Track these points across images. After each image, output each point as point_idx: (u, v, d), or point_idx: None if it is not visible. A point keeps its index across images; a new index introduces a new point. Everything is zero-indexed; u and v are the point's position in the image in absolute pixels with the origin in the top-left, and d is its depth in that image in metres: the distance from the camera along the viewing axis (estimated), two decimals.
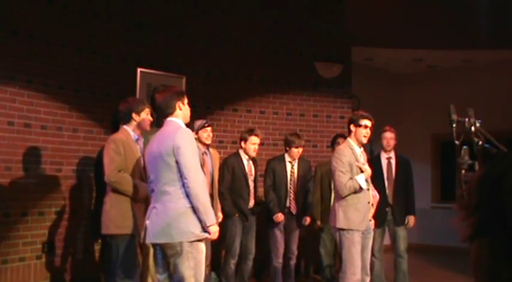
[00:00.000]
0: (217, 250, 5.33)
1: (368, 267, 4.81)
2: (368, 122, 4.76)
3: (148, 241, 3.64)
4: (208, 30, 6.67)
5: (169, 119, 3.66)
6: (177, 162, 3.46)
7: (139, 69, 6.06)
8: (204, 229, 3.49)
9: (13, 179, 5.08)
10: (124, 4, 6.08)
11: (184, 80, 6.35)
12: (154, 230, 3.54)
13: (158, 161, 3.53)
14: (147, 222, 3.60)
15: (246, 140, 5.58)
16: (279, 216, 5.67)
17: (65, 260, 5.45)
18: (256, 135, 5.61)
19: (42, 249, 5.26)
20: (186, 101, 3.72)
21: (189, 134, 3.63)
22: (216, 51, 6.72)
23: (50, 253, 5.32)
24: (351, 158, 4.61)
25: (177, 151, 3.45)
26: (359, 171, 4.62)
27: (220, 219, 5.27)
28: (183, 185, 3.47)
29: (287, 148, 5.80)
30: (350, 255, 4.51)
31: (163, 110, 3.67)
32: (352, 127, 4.76)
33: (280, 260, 5.82)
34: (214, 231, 3.56)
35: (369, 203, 4.66)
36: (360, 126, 4.72)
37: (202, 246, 3.57)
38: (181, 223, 3.45)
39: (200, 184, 3.49)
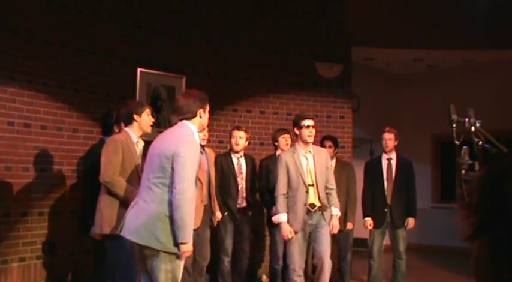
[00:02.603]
0: (212, 249, 5.32)
1: (325, 260, 4.78)
2: (309, 122, 4.88)
3: (123, 234, 3.52)
4: (208, 30, 6.67)
5: (185, 121, 3.56)
6: (173, 168, 3.37)
7: (139, 69, 6.06)
8: (176, 244, 3.35)
9: (13, 179, 5.08)
10: (124, 4, 6.08)
11: (184, 80, 6.35)
12: (130, 226, 3.45)
13: (156, 158, 3.45)
14: (127, 215, 3.51)
15: (231, 137, 5.66)
16: (274, 210, 5.68)
17: (65, 260, 5.44)
18: (238, 129, 5.67)
19: (42, 249, 5.26)
20: (208, 109, 3.62)
21: (195, 146, 3.50)
22: (216, 51, 6.72)
23: (50, 253, 5.32)
24: (288, 162, 4.83)
25: (176, 159, 3.36)
26: (297, 172, 4.81)
27: (218, 219, 5.26)
28: (171, 192, 3.35)
29: (275, 143, 5.92)
30: (289, 253, 4.88)
31: (182, 113, 3.56)
32: (295, 130, 4.93)
33: (280, 262, 5.81)
34: (186, 250, 3.39)
35: (305, 205, 4.78)
36: (301, 127, 4.84)
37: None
38: (157, 230, 3.34)
39: (187, 198, 3.34)
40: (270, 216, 5.83)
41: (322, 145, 6.00)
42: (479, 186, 0.90)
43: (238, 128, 5.70)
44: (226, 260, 5.60)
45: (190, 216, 3.38)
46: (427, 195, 9.47)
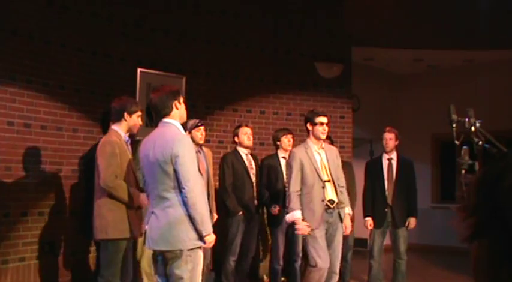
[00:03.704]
0: (218, 248, 5.32)
1: (335, 264, 4.74)
2: (323, 119, 4.80)
3: (148, 246, 3.65)
4: (208, 30, 6.67)
5: (166, 120, 3.58)
6: (175, 170, 3.42)
7: (139, 69, 6.06)
8: (200, 237, 3.48)
9: (13, 179, 5.07)
10: (124, 4, 6.08)
11: (184, 80, 6.35)
12: (154, 236, 3.53)
13: (155, 166, 3.48)
14: (147, 227, 3.59)
15: (237, 134, 5.71)
16: (274, 209, 5.68)
17: (65, 260, 5.44)
18: (245, 126, 5.79)
19: (42, 249, 5.26)
20: (182, 99, 3.66)
21: (188, 142, 3.58)
22: (216, 51, 6.72)
23: (50, 253, 5.32)
24: (302, 158, 4.71)
25: (175, 160, 3.40)
26: (312, 168, 4.70)
27: (215, 219, 5.27)
28: (181, 193, 3.44)
29: (277, 142, 5.92)
30: (313, 250, 4.64)
31: (159, 110, 3.59)
32: (308, 126, 4.82)
33: (281, 262, 5.82)
34: (211, 240, 3.54)
35: (323, 201, 4.67)
36: (315, 124, 4.76)
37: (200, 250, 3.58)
38: (181, 231, 3.44)
39: (198, 194, 3.45)
40: (270, 215, 5.83)
41: None
42: (477, 188, 0.90)
43: (246, 125, 5.82)
44: (232, 260, 5.62)
45: (205, 209, 3.50)
46: (427, 195, 9.46)
